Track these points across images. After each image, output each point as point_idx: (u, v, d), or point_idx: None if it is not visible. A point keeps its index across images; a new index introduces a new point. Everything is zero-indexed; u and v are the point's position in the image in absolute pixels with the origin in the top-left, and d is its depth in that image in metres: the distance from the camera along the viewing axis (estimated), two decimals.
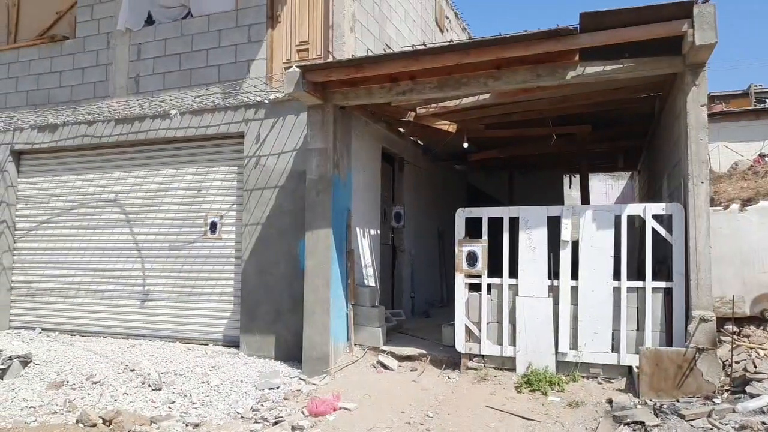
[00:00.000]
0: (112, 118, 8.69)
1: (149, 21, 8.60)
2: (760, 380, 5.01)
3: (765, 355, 5.43)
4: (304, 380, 6.30)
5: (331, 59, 7.00)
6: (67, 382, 6.24)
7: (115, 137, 8.70)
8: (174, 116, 8.11)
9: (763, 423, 4.31)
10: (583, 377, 5.78)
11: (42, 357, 7.18)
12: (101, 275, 8.83)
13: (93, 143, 8.88)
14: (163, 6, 8.48)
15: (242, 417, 5.30)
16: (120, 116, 8.61)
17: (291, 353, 7.09)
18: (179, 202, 8.37)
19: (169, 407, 5.50)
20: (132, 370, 6.56)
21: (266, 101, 7.64)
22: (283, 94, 7.26)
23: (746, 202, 6.34)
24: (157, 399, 5.70)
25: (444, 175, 11.82)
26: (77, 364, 6.92)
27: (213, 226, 8.11)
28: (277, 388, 6.04)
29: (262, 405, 5.56)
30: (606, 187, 19.13)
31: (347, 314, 6.87)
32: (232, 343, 7.80)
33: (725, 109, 18.97)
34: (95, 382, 6.21)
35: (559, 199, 14.57)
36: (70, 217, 9.15)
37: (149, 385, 6.05)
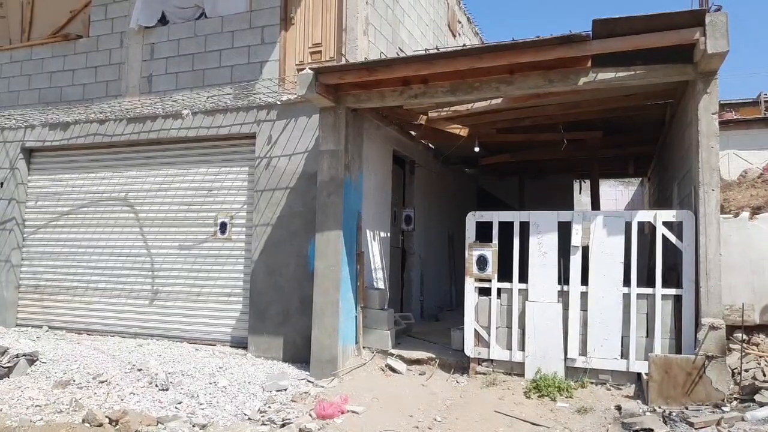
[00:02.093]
0: (124, 117, 8.75)
1: (163, 21, 8.66)
2: None
3: None
4: (312, 382, 6.30)
5: (344, 62, 7.03)
6: (74, 381, 6.25)
7: (126, 136, 8.75)
8: (186, 116, 8.15)
9: None
10: (592, 383, 5.76)
11: (49, 355, 7.19)
12: (110, 274, 8.86)
13: (104, 142, 8.94)
14: (177, 6, 8.54)
15: (249, 418, 5.31)
16: (132, 115, 8.67)
17: (299, 355, 7.10)
18: (189, 202, 8.41)
19: (176, 408, 5.50)
20: (139, 370, 6.56)
21: (278, 102, 7.68)
22: (296, 96, 7.28)
23: (756, 210, 6.32)
24: (164, 399, 5.71)
25: (455, 178, 11.83)
26: (84, 363, 6.92)
27: (223, 227, 8.14)
28: (285, 389, 6.05)
29: (269, 407, 5.56)
30: (616, 192, 19.03)
31: (356, 317, 6.88)
32: (240, 344, 7.82)
33: (735, 117, 18.88)
34: (102, 382, 6.21)
35: (569, 205, 14.54)
36: (79, 215, 9.21)
37: (156, 385, 6.04)
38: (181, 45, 8.43)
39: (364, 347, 6.90)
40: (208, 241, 8.24)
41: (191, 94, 8.22)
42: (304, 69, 6.43)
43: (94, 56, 9.10)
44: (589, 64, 5.64)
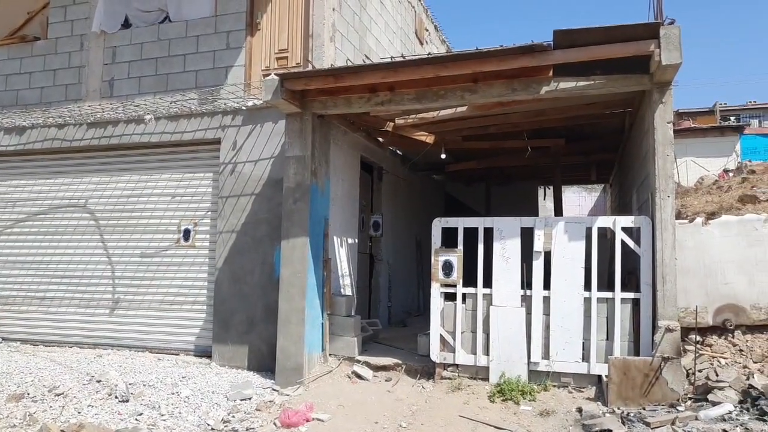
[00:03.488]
0: (84, 121, 8.53)
1: (125, 24, 8.49)
2: (721, 388, 5.17)
3: (726, 363, 5.61)
4: (278, 391, 6.24)
5: (310, 68, 7.02)
6: (28, 394, 6.03)
7: (86, 141, 8.53)
8: (149, 121, 8.01)
9: (724, 430, 4.45)
10: (554, 386, 5.86)
11: (2, 368, 6.96)
12: (68, 283, 8.61)
13: (63, 147, 8.70)
14: (141, 10, 8.39)
15: (212, 429, 5.21)
16: (92, 120, 8.46)
17: (264, 363, 7.02)
18: (152, 209, 8.24)
19: (136, 419, 5.37)
20: (98, 381, 6.39)
21: (244, 108, 7.62)
22: (261, 102, 7.24)
23: (711, 216, 6.57)
24: (124, 411, 5.56)
25: (423, 184, 11.92)
26: (39, 376, 6.70)
27: (186, 234, 8.00)
28: (250, 399, 5.97)
29: (233, 416, 5.48)
30: (580, 198, 19.57)
31: (322, 324, 6.84)
32: (204, 353, 7.68)
33: (693, 126, 19.68)
34: (58, 394, 6.02)
35: (534, 210, 14.82)
36: (36, 222, 8.91)
37: (116, 397, 5.89)
38: (144, 49, 8.28)
39: (330, 354, 6.86)
40: (172, 249, 8.09)
41: (154, 98, 8.07)
42: (270, 74, 6.39)
43: (53, 59, 8.85)
44: (551, 73, 5.77)
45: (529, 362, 5.97)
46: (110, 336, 8.26)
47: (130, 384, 6.27)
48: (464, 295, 6.32)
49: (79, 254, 8.60)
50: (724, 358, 5.73)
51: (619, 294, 5.82)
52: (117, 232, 8.43)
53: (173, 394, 6.07)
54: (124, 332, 8.19)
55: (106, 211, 8.52)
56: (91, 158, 8.70)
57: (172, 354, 7.84)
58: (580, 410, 5.32)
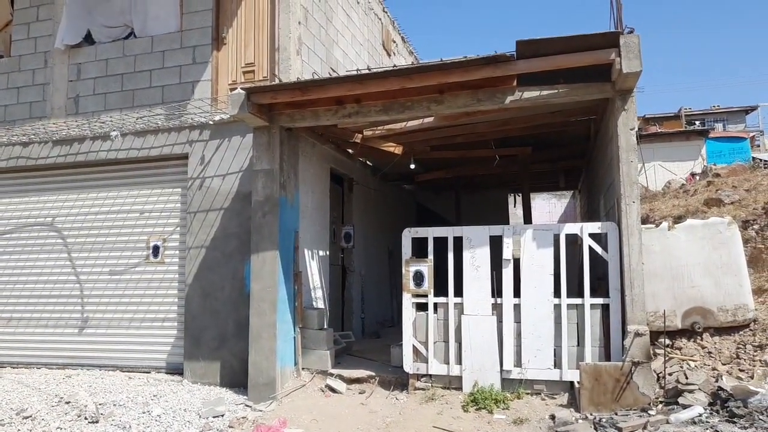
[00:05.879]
0: (50, 139, 8.37)
1: (90, 40, 8.38)
2: (691, 391, 5.22)
3: (695, 366, 5.69)
4: (250, 407, 6.16)
5: (277, 81, 7.00)
6: None
7: (52, 159, 8.38)
8: (115, 138, 7.88)
9: None
10: (527, 394, 5.86)
11: None
12: (36, 303, 8.40)
13: (28, 165, 8.52)
14: (105, 25, 8.28)
15: None
16: (58, 137, 8.31)
17: (237, 379, 6.92)
18: (120, 226, 8.11)
19: None
20: (67, 403, 6.26)
21: (211, 122, 7.56)
22: (228, 116, 7.18)
23: (677, 220, 6.67)
24: None
25: (393, 194, 11.94)
26: (6, 399, 6.56)
27: (155, 250, 7.88)
28: (222, 415, 5.89)
29: None
30: (549, 205, 19.80)
31: (295, 338, 6.77)
32: (176, 370, 7.55)
33: (659, 131, 20.12)
34: (26, 417, 5.89)
35: (504, 218, 14.93)
36: (1, 242, 8.69)
37: (85, 418, 5.79)
38: (109, 65, 8.17)
39: (303, 368, 6.79)
40: (141, 265, 7.95)
41: (121, 115, 7.96)
42: (236, 89, 6.35)
43: (16, 76, 8.69)
44: (515, 83, 5.84)
45: (501, 370, 5.98)
46: (79, 356, 8.07)
47: (100, 404, 6.18)
48: (436, 305, 6.32)
49: (46, 273, 8.42)
50: (694, 360, 5.80)
51: (588, 300, 5.86)
52: (85, 250, 8.26)
53: (144, 413, 5.97)
54: (93, 351, 8.01)
55: (73, 229, 8.36)
56: (58, 176, 8.55)
57: (144, 372, 7.69)
58: (553, 417, 5.33)
